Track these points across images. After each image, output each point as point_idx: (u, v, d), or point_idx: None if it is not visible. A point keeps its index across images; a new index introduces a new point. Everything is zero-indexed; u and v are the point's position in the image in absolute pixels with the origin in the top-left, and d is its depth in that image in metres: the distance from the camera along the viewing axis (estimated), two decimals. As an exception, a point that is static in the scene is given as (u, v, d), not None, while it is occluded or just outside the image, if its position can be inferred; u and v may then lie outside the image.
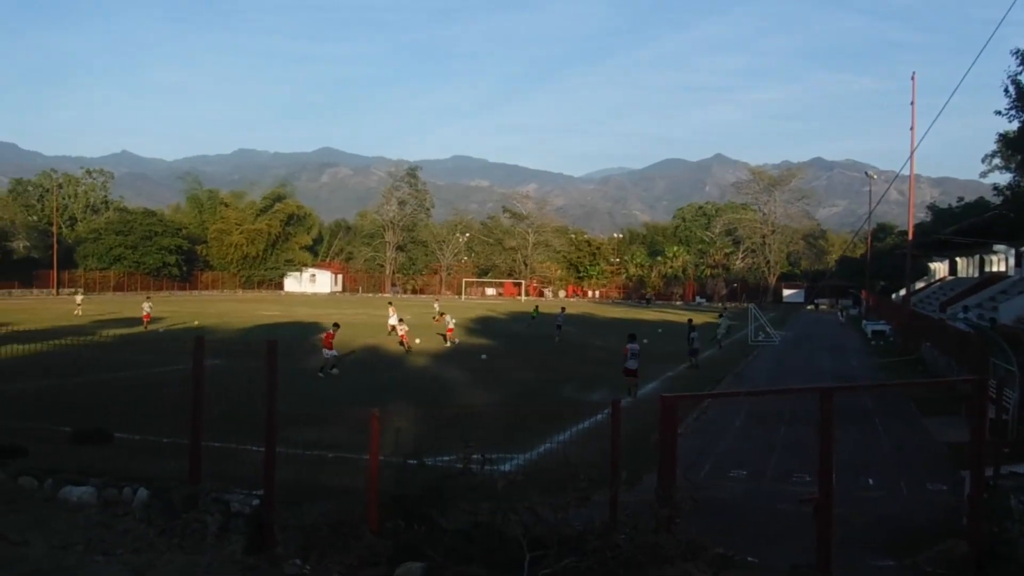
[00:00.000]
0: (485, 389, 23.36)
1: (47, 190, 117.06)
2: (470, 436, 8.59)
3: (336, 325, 29.13)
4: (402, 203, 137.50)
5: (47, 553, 7.79)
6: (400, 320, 38.96)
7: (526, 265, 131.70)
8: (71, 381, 19.65)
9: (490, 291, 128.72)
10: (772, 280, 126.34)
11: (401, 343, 35.94)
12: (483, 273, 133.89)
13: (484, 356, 33.15)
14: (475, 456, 8.20)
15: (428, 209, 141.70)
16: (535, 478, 8.83)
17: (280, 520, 8.60)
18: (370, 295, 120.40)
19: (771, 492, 13.34)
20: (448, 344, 37.86)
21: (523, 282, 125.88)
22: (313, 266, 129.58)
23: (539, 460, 11.92)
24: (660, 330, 49.66)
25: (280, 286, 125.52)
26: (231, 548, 8.22)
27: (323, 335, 27.82)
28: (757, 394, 20.71)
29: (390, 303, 37.96)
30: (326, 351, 26.43)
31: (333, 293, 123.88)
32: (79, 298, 56.16)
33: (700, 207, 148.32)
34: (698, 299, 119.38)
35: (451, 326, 39.66)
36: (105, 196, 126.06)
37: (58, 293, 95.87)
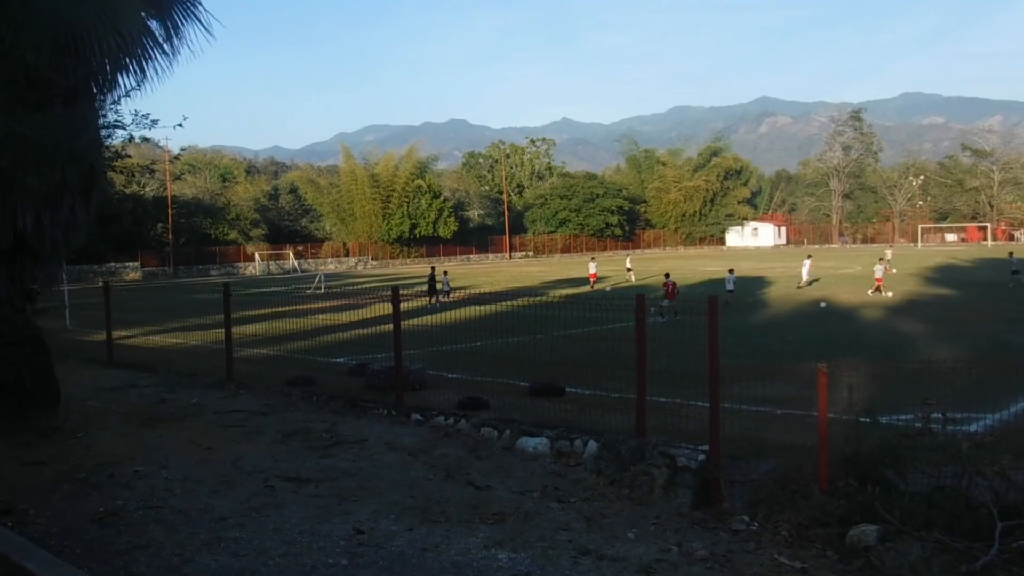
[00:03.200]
0: (946, 343, 21.62)
1: (496, 161, 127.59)
2: (930, 394, 7.99)
3: (667, 275, 29.58)
4: (847, 148, 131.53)
5: (508, 498, 8.48)
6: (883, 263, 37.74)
7: (991, 206, 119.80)
8: (529, 338, 21.28)
9: (950, 237, 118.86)
10: None
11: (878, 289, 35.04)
12: (941, 218, 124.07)
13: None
14: (936, 415, 7.63)
15: (876, 153, 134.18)
16: (1007, 441, 8.02)
17: (726, 475, 8.61)
18: (816, 246, 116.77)
19: None
20: (879, 295, 35.39)
21: (988, 225, 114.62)
22: (754, 219, 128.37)
23: (1013, 421, 10.77)
24: None
25: (721, 241, 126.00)
26: (678, 501, 8.38)
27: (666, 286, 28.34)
28: None
29: (808, 256, 36.59)
30: (666, 301, 26.73)
31: (777, 246, 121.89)
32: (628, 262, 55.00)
33: None
34: None
35: (880, 276, 36.93)
36: (549, 163, 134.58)
37: (511, 257, 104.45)
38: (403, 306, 13.59)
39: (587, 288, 43.15)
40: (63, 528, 7.54)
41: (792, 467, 8.60)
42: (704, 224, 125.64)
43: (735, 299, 32.96)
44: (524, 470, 9.51)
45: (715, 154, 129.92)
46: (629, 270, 50.21)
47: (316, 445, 10.70)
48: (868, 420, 8.24)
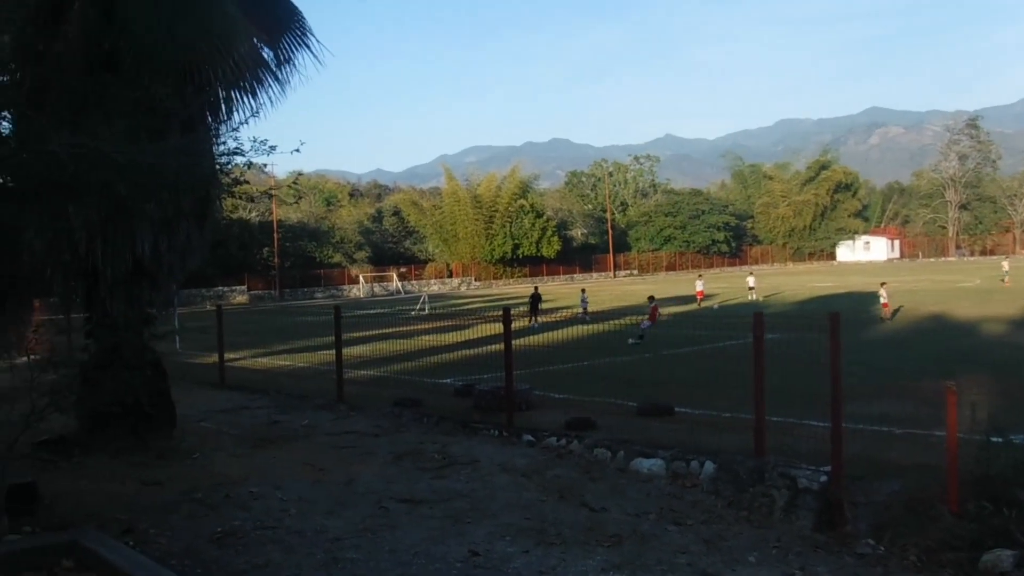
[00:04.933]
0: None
1: (599, 179, 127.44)
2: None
3: (651, 298, 28.56)
4: (963, 157, 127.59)
5: (624, 520, 8.42)
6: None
7: None
8: (636, 357, 21.19)
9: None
10: None
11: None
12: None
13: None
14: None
15: (994, 161, 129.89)
16: None
17: (849, 497, 8.40)
18: (931, 260, 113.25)
19: None
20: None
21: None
22: (866, 233, 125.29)
23: None
24: None
25: (832, 256, 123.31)
26: (799, 524, 8.21)
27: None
28: None
29: (882, 283, 34.57)
30: (646, 323, 25.72)
31: (890, 260, 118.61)
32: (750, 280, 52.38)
33: None
34: None
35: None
36: (652, 180, 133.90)
37: (615, 275, 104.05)
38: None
39: (694, 306, 42.74)
40: (183, 548, 7.78)
41: (918, 488, 8.34)
42: (813, 239, 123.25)
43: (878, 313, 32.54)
44: (639, 491, 9.45)
45: (824, 167, 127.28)
46: (751, 288, 49.11)
47: (428, 466, 10.82)
48: (999, 439, 7.96)
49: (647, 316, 25.54)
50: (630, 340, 23.33)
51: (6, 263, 8.91)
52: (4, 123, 9.16)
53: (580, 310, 34.56)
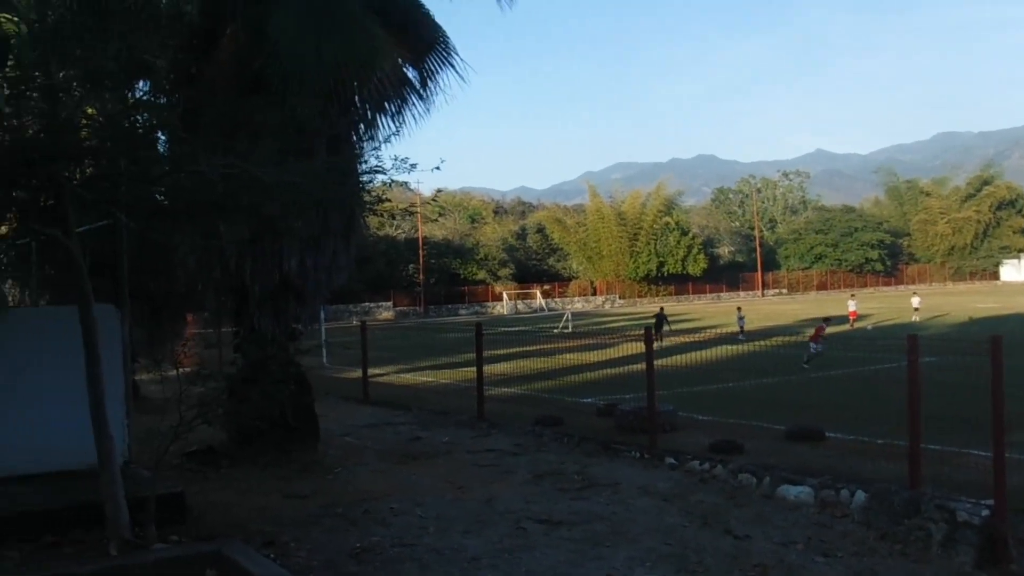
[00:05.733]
0: None
1: (746, 196, 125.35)
2: None
3: (827, 319, 26.97)
4: None
5: (769, 549, 8.13)
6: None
7: None
8: (783, 379, 20.59)
9: None
10: None
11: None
12: None
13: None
14: None
15: None
16: None
17: (1014, 533, 7.89)
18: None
19: None
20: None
21: None
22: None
23: None
24: None
25: (995, 275, 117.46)
26: (959, 560, 7.74)
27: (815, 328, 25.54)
28: None
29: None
30: (812, 345, 24.18)
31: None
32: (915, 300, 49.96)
33: None
34: None
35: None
36: (803, 196, 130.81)
37: (763, 294, 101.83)
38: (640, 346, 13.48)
39: (847, 327, 41.33)
40: (323, 562, 7.92)
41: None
42: (975, 258, 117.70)
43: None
44: (785, 520, 9.12)
45: (986, 183, 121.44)
46: (916, 309, 47.15)
47: (568, 487, 10.73)
48: None
49: (812, 337, 24.92)
50: (804, 363, 22.59)
51: (161, 279, 9.31)
52: (159, 145, 9.57)
53: (736, 329, 33.90)
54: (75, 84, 7.92)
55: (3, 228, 9.25)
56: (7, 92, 7.36)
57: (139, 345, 14.32)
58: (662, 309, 37.77)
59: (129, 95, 9.11)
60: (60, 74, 7.63)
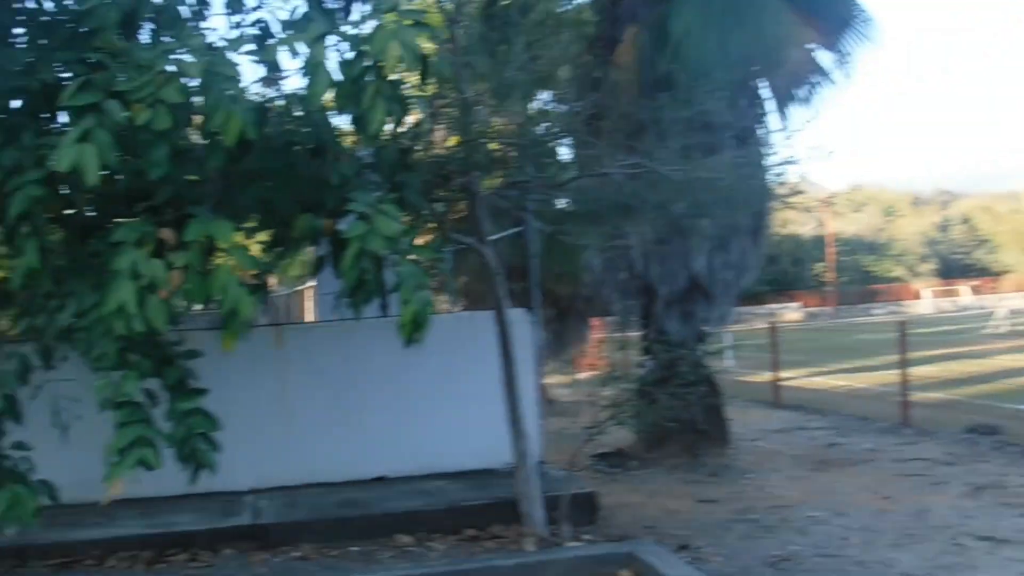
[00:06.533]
0: None
1: None
2: None
3: None
4: None
5: None
6: None
7: None
8: None
9: None
10: None
11: None
12: None
13: None
14: None
15: None
16: None
17: None
18: None
19: None
20: None
21: None
22: None
23: None
24: None
25: None
26: None
27: None
28: None
29: None
30: None
31: None
32: None
33: None
34: None
35: None
36: None
37: None
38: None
39: None
40: (739, 569, 7.71)
41: None
42: None
43: None
44: None
45: None
46: None
47: (1012, 502, 9.69)
48: None
49: None
50: None
51: (567, 282, 9.55)
52: (563, 150, 9.84)
53: None
54: (485, 98, 8.31)
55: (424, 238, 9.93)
56: (429, 109, 7.88)
57: (546, 348, 14.90)
58: None
59: (533, 105, 9.45)
60: (470, 89, 8.03)
